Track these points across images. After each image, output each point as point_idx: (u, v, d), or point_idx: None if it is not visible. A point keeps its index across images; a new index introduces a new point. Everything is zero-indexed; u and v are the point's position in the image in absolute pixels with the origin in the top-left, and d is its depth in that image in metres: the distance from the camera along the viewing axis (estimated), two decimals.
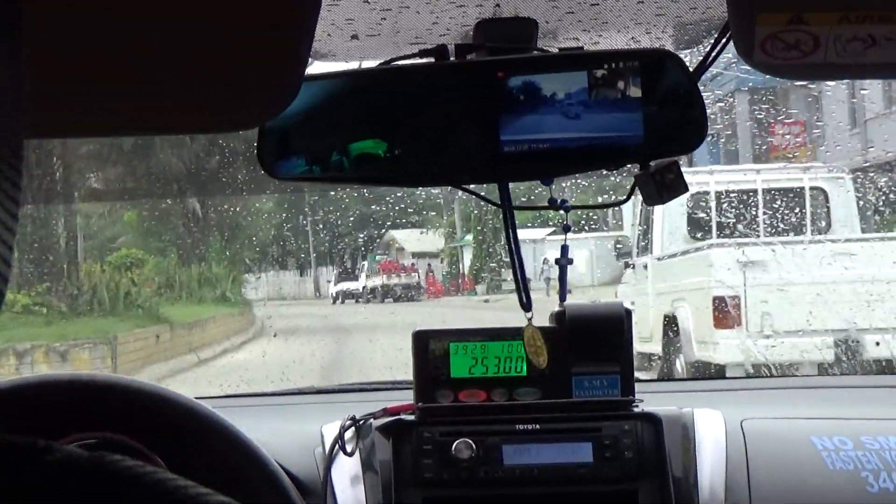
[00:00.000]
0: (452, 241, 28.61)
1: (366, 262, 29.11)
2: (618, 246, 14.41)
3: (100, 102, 1.06)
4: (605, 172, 1.82)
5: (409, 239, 31.80)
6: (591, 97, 1.57)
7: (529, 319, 1.93)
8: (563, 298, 1.96)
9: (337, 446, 2.03)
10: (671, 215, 11.88)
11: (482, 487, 2.01)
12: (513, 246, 1.83)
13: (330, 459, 2.02)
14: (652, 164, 1.64)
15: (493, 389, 2.09)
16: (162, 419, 1.78)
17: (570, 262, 1.88)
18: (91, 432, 1.76)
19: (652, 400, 2.15)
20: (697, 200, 11.73)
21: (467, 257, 27.34)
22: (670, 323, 11.53)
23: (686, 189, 1.65)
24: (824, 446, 2.14)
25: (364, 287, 28.27)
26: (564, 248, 1.86)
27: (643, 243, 12.69)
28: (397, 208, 27.10)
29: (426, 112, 1.58)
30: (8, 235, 0.67)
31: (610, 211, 18.45)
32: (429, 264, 29.75)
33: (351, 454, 2.03)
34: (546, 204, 1.83)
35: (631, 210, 13.16)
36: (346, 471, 2.02)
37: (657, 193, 1.64)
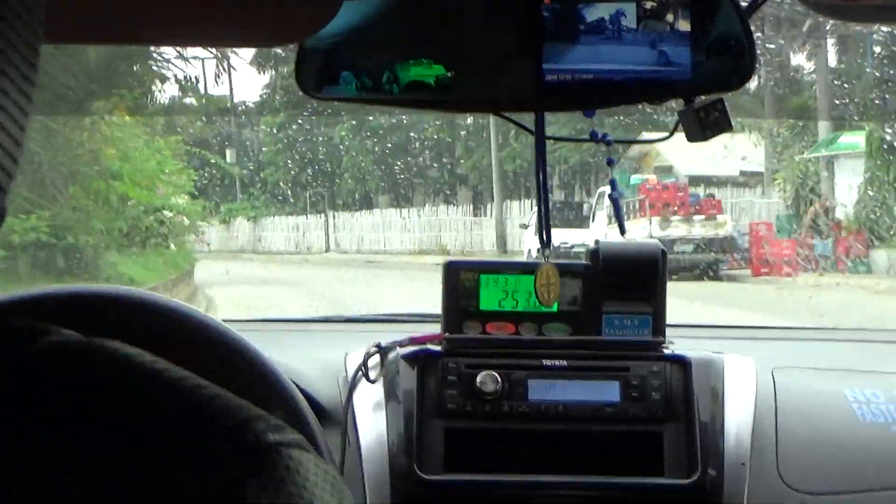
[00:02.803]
0: (797, 148, 14.16)
1: (605, 191, 11.04)
2: None
3: (128, 9, 1.04)
4: (647, 109, 1.79)
5: (684, 148, 14.67)
6: (639, 29, 1.55)
7: (546, 256, 1.94)
8: (622, 231, 1.95)
9: (360, 373, 2.02)
10: None
11: (506, 421, 2.00)
12: (540, 179, 1.82)
13: (352, 386, 2.01)
14: (697, 100, 1.61)
15: (522, 323, 2.07)
16: (185, 338, 1.76)
17: (621, 194, 1.87)
18: None
19: (683, 343, 2.11)
20: None
21: (842, 184, 13.20)
22: None
23: (730, 127, 1.63)
24: (855, 398, 2.11)
25: None
26: (613, 182, 1.86)
27: None
28: None
29: (469, 38, 1.57)
30: (13, 147, 0.66)
31: None
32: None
33: (374, 381, 2.02)
34: (587, 137, 1.83)
35: None
36: (368, 398, 2.01)
37: (700, 130, 1.62)
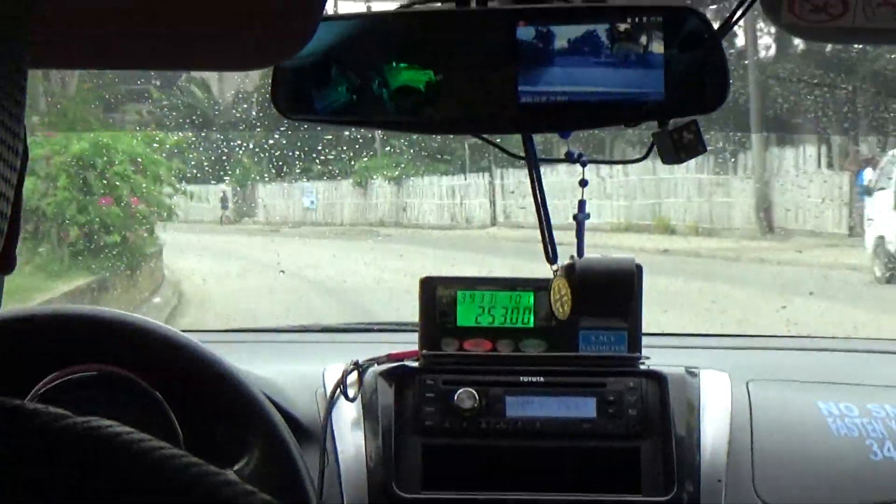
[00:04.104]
0: None
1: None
2: None
3: (110, 33, 1.03)
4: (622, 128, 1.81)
5: None
6: (613, 51, 1.55)
7: (555, 271, 1.93)
8: (580, 254, 1.93)
9: (339, 390, 2.03)
10: None
11: (483, 438, 2.01)
12: (538, 198, 1.83)
13: (331, 403, 2.03)
14: (671, 122, 1.62)
15: (499, 340, 2.09)
16: (159, 355, 1.79)
17: (588, 216, 1.88)
18: (88, 364, 1.77)
19: (659, 357, 2.12)
20: None
21: None
22: None
23: (704, 149, 1.65)
24: (830, 412, 2.13)
25: None
26: (582, 203, 1.86)
27: None
28: None
29: (445, 59, 1.58)
30: (6, 170, 0.66)
31: None
32: None
33: (353, 399, 2.03)
34: (563, 157, 1.84)
35: None
36: (346, 415, 2.03)
37: (675, 153, 1.63)
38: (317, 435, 2.00)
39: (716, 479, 1.97)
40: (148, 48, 1.08)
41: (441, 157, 14.61)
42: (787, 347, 2.71)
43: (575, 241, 1.91)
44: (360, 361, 2.08)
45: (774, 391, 2.20)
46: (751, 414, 2.09)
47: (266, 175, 12.59)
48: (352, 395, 2.04)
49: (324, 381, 2.10)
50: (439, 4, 1.65)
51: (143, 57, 1.13)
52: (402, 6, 1.66)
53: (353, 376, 2.07)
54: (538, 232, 1.97)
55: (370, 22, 1.64)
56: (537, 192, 1.81)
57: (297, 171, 12.75)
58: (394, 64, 1.56)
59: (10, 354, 1.79)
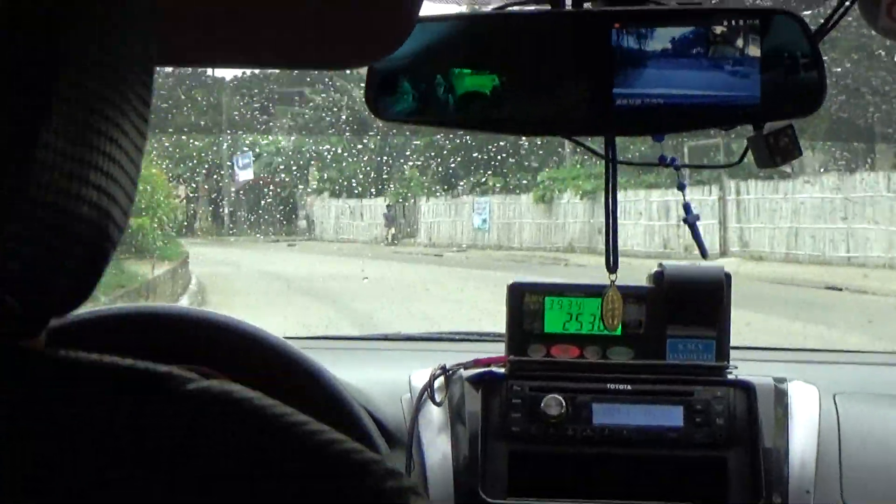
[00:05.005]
0: None
1: None
2: None
3: (221, 32, 1.07)
4: (712, 132, 1.80)
5: None
6: (709, 54, 1.56)
7: (612, 282, 1.92)
8: (704, 255, 1.92)
9: (425, 395, 2.03)
10: None
11: (570, 445, 2.00)
12: (610, 201, 1.82)
13: (417, 408, 2.02)
14: (766, 126, 1.62)
15: (587, 347, 2.07)
16: (250, 355, 1.79)
17: (698, 217, 1.87)
18: (182, 365, 1.85)
19: (747, 368, 2.09)
20: None
21: None
22: None
23: (800, 153, 1.64)
24: None
25: None
26: (687, 206, 1.85)
27: None
28: None
29: (538, 59, 1.59)
30: (131, 167, 0.68)
31: None
32: None
33: (439, 404, 2.03)
34: (656, 161, 1.84)
35: None
36: (433, 420, 2.03)
37: (770, 157, 1.63)
38: (403, 439, 2.00)
39: (804, 490, 1.94)
40: (249, 45, 1.11)
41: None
42: (875, 362, 2.67)
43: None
44: (447, 366, 2.08)
45: (863, 404, 2.16)
46: (839, 426, 2.05)
47: (431, 188, 11.37)
48: (439, 399, 2.04)
49: (410, 386, 2.10)
50: (533, 8, 1.67)
51: (245, 53, 1.16)
52: (496, 7, 1.68)
53: (440, 381, 2.07)
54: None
55: (455, 24, 1.66)
56: (610, 196, 1.81)
57: (468, 183, 11.51)
58: (458, 70, 1.59)
59: (108, 352, 1.84)
